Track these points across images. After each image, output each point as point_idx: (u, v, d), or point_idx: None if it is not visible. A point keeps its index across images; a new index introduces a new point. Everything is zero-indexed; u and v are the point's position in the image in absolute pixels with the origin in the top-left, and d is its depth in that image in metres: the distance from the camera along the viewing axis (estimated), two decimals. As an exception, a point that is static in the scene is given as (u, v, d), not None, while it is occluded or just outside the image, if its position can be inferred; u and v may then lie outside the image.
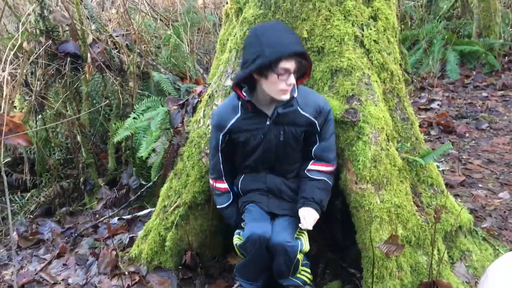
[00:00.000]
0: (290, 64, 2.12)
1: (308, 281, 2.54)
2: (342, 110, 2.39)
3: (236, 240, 2.45)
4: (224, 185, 2.50)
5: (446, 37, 6.98)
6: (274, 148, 2.35)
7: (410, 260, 2.40)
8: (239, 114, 2.32)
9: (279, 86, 2.14)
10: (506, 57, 7.16)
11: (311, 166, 2.39)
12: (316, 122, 2.29)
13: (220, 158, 2.44)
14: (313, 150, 2.38)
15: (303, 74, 2.28)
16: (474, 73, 6.65)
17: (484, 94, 6.13)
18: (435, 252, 2.41)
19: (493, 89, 6.28)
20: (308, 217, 2.30)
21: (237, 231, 2.51)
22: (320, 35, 2.51)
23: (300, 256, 2.41)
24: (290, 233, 2.36)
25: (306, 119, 2.28)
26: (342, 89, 2.45)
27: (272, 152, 2.36)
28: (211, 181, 2.54)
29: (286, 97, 2.18)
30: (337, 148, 2.44)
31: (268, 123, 2.29)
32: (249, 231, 2.33)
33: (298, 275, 2.50)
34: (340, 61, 2.47)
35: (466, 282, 2.52)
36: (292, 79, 2.14)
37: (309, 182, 2.38)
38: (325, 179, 2.38)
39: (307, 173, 2.40)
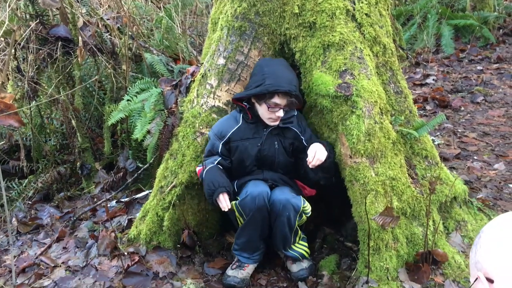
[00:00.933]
0: (281, 101, 2.39)
1: (306, 255, 2.58)
2: (335, 85, 2.39)
3: (234, 202, 2.47)
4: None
5: (440, 11, 6.94)
6: (272, 156, 2.53)
7: (405, 231, 2.43)
8: (240, 123, 2.53)
9: (269, 115, 2.44)
10: (501, 30, 7.13)
11: None
12: (303, 138, 2.53)
13: (218, 159, 2.54)
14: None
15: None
16: (469, 47, 6.63)
17: (479, 67, 6.12)
18: (430, 223, 2.44)
19: (488, 62, 6.27)
20: (316, 149, 2.36)
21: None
22: (312, 10, 2.49)
23: (300, 232, 2.50)
24: (291, 193, 2.45)
25: (294, 133, 2.54)
26: (334, 64, 2.44)
27: (269, 159, 2.54)
28: (198, 169, 2.58)
29: (274, 124, 2.48)
30: (331, 123, 2.45)
31: (265, 132, 2.52)
32: (249, 189, 2.41)
33: (296, 248, 2.55)
34: (332, 35, 2.46)
35: (461, 251, 2.55)
36: (280, 113, 2.41)
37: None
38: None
39: None
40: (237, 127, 2.52)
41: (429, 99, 5.06)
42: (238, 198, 2.46)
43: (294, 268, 2.58)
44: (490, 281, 1.08)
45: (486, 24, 6.87)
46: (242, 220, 2.49)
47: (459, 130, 4.34)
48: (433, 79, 5.77)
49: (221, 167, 2.51)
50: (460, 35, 6.97)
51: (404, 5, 7.66)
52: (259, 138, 2.51)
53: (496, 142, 4.06)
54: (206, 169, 2.47)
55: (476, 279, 1.12)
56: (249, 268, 2.57)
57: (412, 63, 6.22)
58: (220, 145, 2.52)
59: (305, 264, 2.58)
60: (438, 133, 4.28)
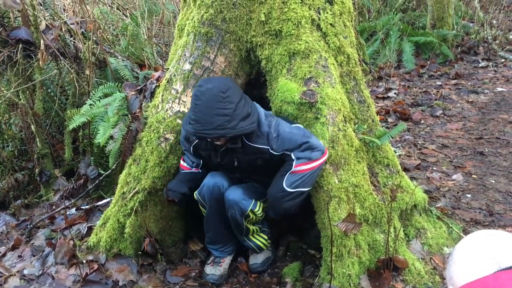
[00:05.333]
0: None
1: (264, 247, 2.66)
2: (300, 92, 2.42)
3: (195, 193, 2.56)
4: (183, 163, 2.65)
5: (401, 28, 7.16)
6: (234, 169, 2.51)
7: (367, 238, 2.46)
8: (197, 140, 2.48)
9: None
10: (459, 48, 7.42)
11: (295, 167, 2.31)
12: (268, 147, 2.34)
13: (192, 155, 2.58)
14: (292, 155, 2.34)
15: None
16: (429, 63, 6.86)
17: (438, 83, 6.34)
18: (392, 230, 2.48)
19: (447, 78, 6.50)
20: None
21: None
22: (278, 18, 2.52)
23: (253, 227, 2.58)
24: (243, 195, 2.44)
25: (255, 149, 2.36)
26: (300, 72, 2.47)
27: (234, 172, 2.54)
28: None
29: (219, 143, 2.36)
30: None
31: (220, 150, 2.44)
32: (205, 181, 2.50)
33: (254, 239, 2.62)
34: (298, 44, 2.49)
35: (421, 258, 2.60)
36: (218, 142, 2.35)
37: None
38: (303, 190, 2.33)
39: (284, 186, 2.32)
40: (197, 140, 2.47)
41: (391, 112, 5.19)
42: None
43: (251, 260, 2.69)
44: None
45: (445, 42, 7.13)
46: (205, 210, 2.57)
47: (419, 142, 4.46)
48: (395, 93, 5.93)
49: (184, 171, 2.61)
50: (421, 52, 7.22)
51: (367, 22, 7.88)
52: (217, 156, 2.47)
53: (454, 154, 4.19)
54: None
55: None
56: (226, 263, 2.65)
57: (375, 77, 6.37)
58: (191, 148, 2.53)
59: (260, 257, 2.67)
60: (399, 144, 4.39)
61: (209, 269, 2.63)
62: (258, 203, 2.47)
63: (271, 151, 2.34)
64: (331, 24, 2.56)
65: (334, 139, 2.40)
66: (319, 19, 2.54)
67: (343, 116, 2.48)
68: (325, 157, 2.32)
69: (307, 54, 2.49)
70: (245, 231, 2.56)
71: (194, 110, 2.24)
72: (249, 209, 2.43)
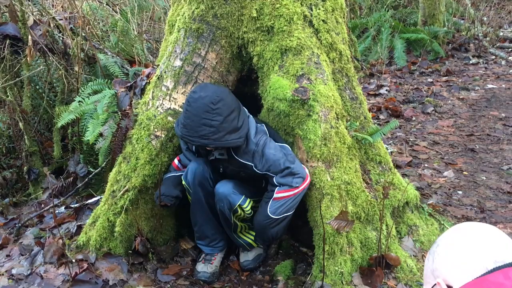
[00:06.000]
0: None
1: (254, 244, 2.65)
2: (292, 89, 2.40)
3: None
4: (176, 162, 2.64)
5: (393, 25, 7.17)
6: (220, 174, 2.54)
7: (360, 236, 2.45)
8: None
9: None
10: (450, 45, 7.45)
11: (276, 194, 2.35)
12: (252, 164, 2.36)
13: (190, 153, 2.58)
14: (274, 180, 2.36)
15: None
16: (420, 60, 6.88)
17: (430, 79, 6.36)
18: (384, 227, 2.48)
19: (438, 75, 6.53)
20: None
21: None
22: (270, 14, 2.49)
23: (242, 224, 2.57)
24: (235, 187, 2.44)
25: (240, 163, 2.38)
26: (292, 68, 2.45)
27: (220, 176, 2.53)
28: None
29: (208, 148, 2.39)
30: (288, 127, 2.44)
31: (209, 158, 2.46)
32: (189, 165, 2.50)
33: (243, 236, 2.61)
34: (290, 40, 2.47)
35: (413, 255, 2.60)
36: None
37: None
38: (287, 215, 2.37)
39: (269, 213, 2.35)
40: None
41: (383, 109, 5.19)
42: None
43: (241, 257, 2.68)
44: (450, 287, 1.10)
45: (436, 39, 7.16)
46: (190, 197, 2.57)
47: (411, 139, 4.46)
48: (386, 90, 5.94)
49: (173, 175, 2.61)
50: (412, 49, 7.24)
51: (359, 18, 7.88)
52: (205, 160, 2.51)
53: (446, 151, 4.20)
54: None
55: (434, 285, 1.14)
56: (217, 260, 2.63)
57: (366, 74, 6.37)
58: (188, 145, 2.53)
59: (251, 254, 2.66)
60: (391, 141, 4.39)
61: (200, 267, 2.61)
62: (248, 200, 2.46)
63: (255, 169, 2.37)
64: (323, 21, 2.54)
65: (327, 136, 2.38)
66: (311, 15, 2.52)
67: (336, 113, 2.46)
68: (306, 183, 2.35)
69: (299, 51, 2.47)
70: (234, 226, 2.55)
71: (184, 115, 2.27)
72: (238, 204, 2.42)
